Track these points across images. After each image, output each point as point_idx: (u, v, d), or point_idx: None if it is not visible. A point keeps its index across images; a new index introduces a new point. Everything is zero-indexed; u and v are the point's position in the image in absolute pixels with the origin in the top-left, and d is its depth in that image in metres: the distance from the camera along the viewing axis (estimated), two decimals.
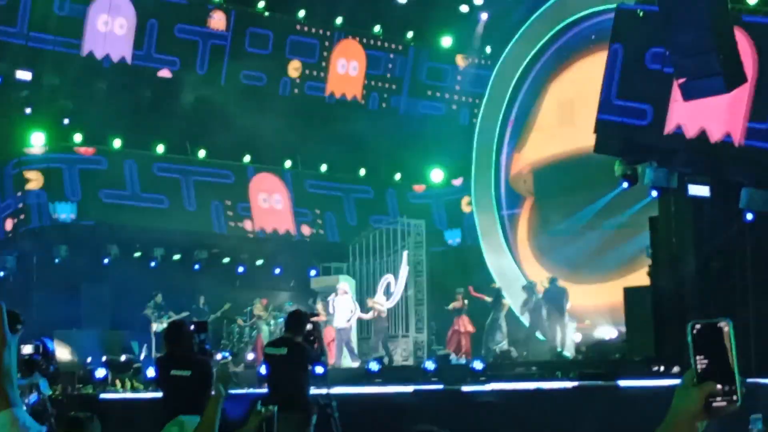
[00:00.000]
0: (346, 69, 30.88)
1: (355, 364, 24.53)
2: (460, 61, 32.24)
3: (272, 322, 27.15)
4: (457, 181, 32.14)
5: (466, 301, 26.16)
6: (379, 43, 31.64)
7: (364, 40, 31.25)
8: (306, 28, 30.22)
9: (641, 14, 17.48)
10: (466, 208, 30.88)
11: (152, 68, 28.11)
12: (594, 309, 25.09)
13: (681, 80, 16.06)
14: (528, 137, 30.10)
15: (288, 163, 30.91)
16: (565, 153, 27.87)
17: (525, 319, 26.10)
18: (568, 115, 28.08)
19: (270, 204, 30.43)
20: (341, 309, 25.81)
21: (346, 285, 26.61)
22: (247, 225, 29.69)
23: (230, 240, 29.35)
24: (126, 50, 27.40)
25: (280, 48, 29.78)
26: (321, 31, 30.63)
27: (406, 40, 31.92)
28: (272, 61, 29.59)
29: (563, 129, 28.20)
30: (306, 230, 30.64)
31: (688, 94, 16.18)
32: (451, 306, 26.37)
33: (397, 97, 32.21)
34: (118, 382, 22.07)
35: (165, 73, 28.39)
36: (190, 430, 6.20)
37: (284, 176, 30.86)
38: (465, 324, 25.98)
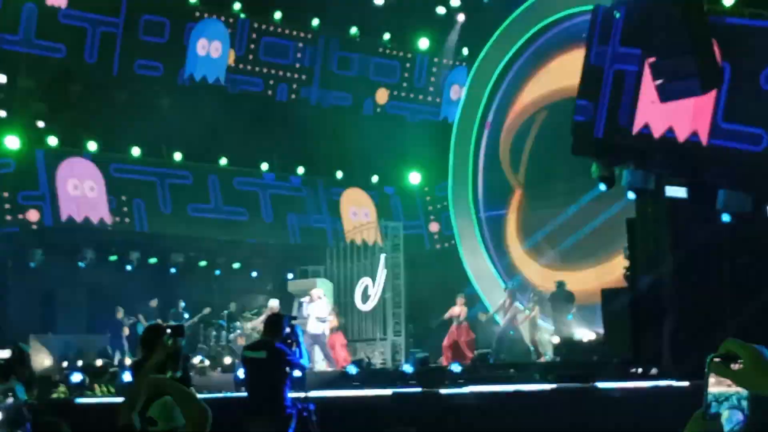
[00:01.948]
0: (207, 49, 28.73)
1: (329, 369, 24.41)
2: (381, 97, 31.96)
3: (239, 326, 27.14)
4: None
5: (465, 309, 26.01)
6: (287, 32, 30.38)
7: (270, 28, 30.06)
8: (207, 15, 28.79)
9: (618, 16, 17.50)
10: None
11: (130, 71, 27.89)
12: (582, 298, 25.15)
13: (657, 81, 16.12)
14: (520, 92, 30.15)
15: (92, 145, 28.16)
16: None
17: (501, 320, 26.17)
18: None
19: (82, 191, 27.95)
20: (315, 314, 25.55)
21: (320, 291, 26.31)
22: (32, 216, 27.13)
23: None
24: None
25: (178, 36, 28.29)
26: (223, 18, 29.13)
27: (314, 28, 30.79)
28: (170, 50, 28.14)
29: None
30: (108, 219, 28.31)
31: (665, 96, 16.23)
32: (447, 314, 26.03)
33: (308, 88, 31.13)
34: (96, 387, 21.94)
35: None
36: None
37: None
38: (467, 332, 25.74)
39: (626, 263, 20.50)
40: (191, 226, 28.85)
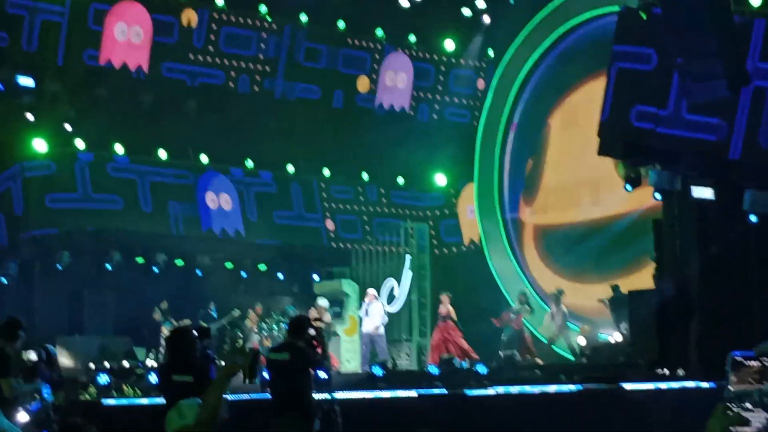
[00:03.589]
0: (127, 36, 26.87)
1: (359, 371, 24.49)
2: (362, 85, 31.10)
3: (266, 327, 27.13)
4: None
5: (452, 308, 25.87)
6: (250, 22, 29.13)
7: (231, 18, 28.76)
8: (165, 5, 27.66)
9: (644, 17, 17.43)
10: None
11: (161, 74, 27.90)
12: (597, 309, 24.93)
13: (685, 83, 16.04)
14: (536, 193, 30.01)
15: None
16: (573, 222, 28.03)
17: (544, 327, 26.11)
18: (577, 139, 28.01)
19: None
20: (375, 314, 25.58)
21: (374, 290, 26.33)
22: None
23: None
24: None
25: None
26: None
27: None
28: None
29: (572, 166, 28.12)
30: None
31: (692, 97, 16.15)
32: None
33: (272, 80, 29.80)
34: (124, 388, 22.03)
35: None
36: (186, 411, 6.09)
37: None
38: (454, 331, 25.63)
39: (650, 263, 20.42)
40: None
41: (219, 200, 28.91)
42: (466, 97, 32.46)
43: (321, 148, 30.42)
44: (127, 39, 26.78)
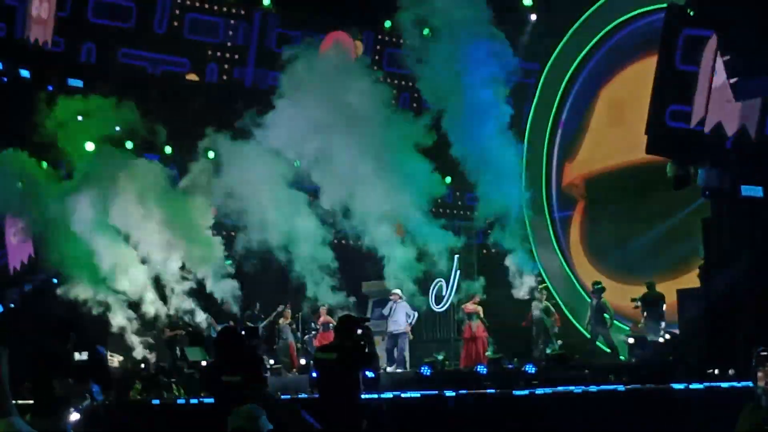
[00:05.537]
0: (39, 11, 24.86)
1: (399, 370, 24.43)
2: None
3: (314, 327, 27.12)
4: None
5: (479, 308, 25.78)
6: (215, 8, 28.12)
7: (197, 4, 27.65)
8: None
9: (692, 13, 17.30)
10: None
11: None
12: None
13: (733, 79, 15.92)
14: (580, 146, 29.91)
15: None
16: (617, 165, 27.85)
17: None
18: (618, 116, 28.01)
19: None
20: (400, 314, 25.57)
21: (399, 291, 26.29)
22: None
23: None
24: None
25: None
26: None
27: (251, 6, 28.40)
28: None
29: (613, 131, 28.11)
30: None
31: (741, 94, 16.02)
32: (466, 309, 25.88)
33: (242, 69, 28.72)
34: (173, 386, 22.21)
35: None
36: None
37: None
38: (480, 331, 25.55)
39: (700, 262, 20.30)
40: None
41: None
42: (398, 78, 31.60)
43: None
44: (38, 14, 25.08)
